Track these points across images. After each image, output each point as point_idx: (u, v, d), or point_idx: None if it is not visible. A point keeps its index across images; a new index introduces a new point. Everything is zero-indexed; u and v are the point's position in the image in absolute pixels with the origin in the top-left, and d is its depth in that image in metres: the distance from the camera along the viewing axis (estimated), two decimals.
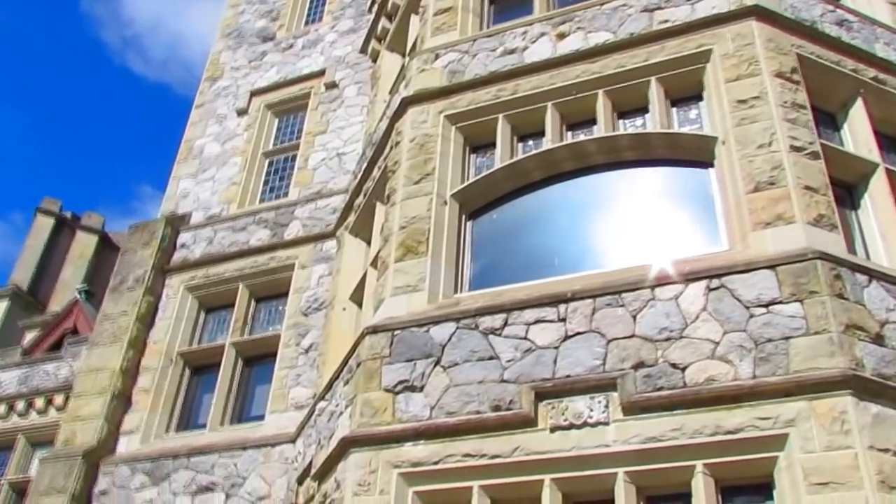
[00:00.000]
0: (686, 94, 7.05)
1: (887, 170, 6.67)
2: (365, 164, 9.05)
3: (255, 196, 11.30)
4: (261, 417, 8.92)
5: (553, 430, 5.48)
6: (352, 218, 9.19)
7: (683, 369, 5.36)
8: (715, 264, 5.75)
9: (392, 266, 6.90)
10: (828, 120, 7.02)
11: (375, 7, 11.41)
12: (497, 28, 8.27)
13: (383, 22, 10.89)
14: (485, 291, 6.54)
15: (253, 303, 10.09)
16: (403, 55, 10.09)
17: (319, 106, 11.67)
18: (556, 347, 5.79)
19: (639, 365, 5.48)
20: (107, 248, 21.60)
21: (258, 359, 9.60)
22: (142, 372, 9.74)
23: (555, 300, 5.99)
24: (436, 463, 5.66)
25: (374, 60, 11.27)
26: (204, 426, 9.16)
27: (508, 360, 5.87)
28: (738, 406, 5.08)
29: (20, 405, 11.78)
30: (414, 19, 9.85)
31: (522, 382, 5.71)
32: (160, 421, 9.37)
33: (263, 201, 11.17)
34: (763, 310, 5.38)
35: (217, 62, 13.39)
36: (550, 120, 7.30)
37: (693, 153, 6.68)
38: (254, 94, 12.38)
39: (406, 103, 8.00)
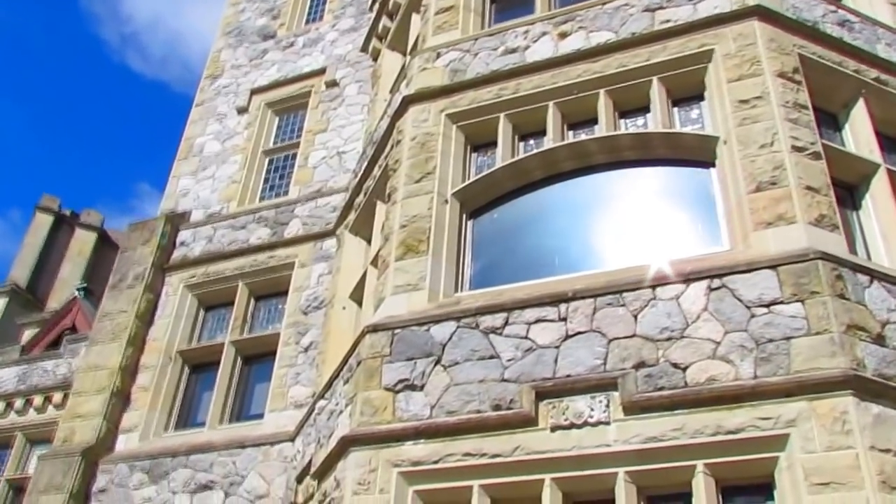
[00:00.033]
0: (688, 93, 7.04)
1: (888, 170, 6.67)
2: (365, 163, 9.05)
3: (256, 194, 11.30)
4: (260, 416, 8.91)
5: (554, 429, 5.48)
6: (352, 216, 9.18)
7: (684, 369, 5.35)
8: (716, 264, 5.75)
9: (393, 265, 6.89)
10: (829, 120, 7.02)
11: (376, 6, 11.40)
12: (499, 27, 8.26)
13: (384, 21, 10.89)
14: (485, 291, 6.53)
15: (252, 301, 10.08)
16: (404, 54, 10.08)
17: (320, 104, 11.67)
18: (557, 347, 5.79)
19: (640, 365, 5.47)
20: (106, 246, 21.60)
21: (257, 357, 9.59)
22: (141, 370, 9.73)
23: (556, 300, 5.99)
24: (436, 462, 5.66)
25: (375, 59, 11.27)
26: (203, 424, 9.16)
27: (509, 360, 5.86)
28: (739, 406, 5.08)
29: (18, 403, 11.78)
30: (415, 18, 9.84)
31: (523, 382, 5.70)
32: (159, 419, 9.36)
33: (263, 199, 11.17)
34: (764, 310, 5.37)
35: (217, 60, 13.38)
36: (552, 119, 7.29)
37: (694, 153, 6.67)
38: (254, 92, 12.38)
39: (407, 102, 7.99)
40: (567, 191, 7.08)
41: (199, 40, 64.07)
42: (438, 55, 8.18)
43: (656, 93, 7.01)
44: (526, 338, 5.92)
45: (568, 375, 5.63)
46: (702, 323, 5.49)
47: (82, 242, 21.91)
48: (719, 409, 5.11)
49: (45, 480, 8.97)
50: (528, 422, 5.54)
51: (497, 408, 5.68)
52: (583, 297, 5.92)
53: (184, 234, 10.96)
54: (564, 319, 5.88)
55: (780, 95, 6.40)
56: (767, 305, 5.38)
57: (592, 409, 5.43)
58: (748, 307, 5.42)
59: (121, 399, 9.49)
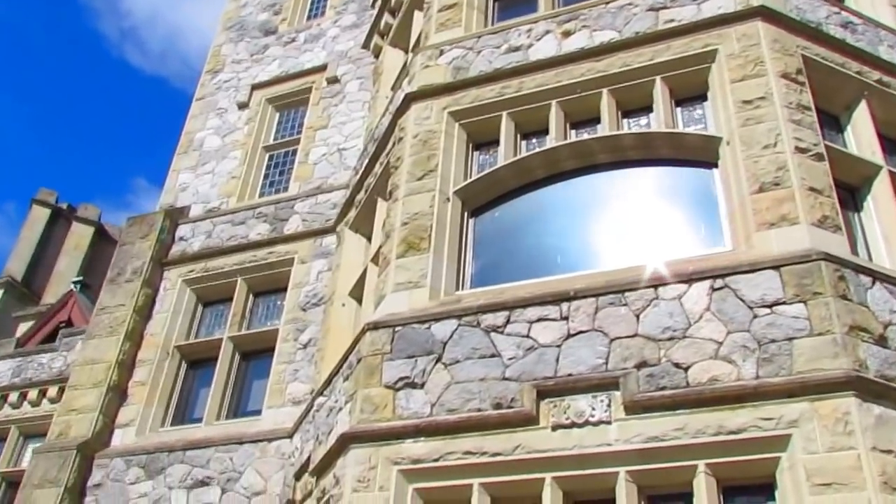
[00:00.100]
0: (691, 93, 7.04)
1: (890, 172, 6.68)
2: (366, 160, 9.02)
3: (255, 190, 11.26)
4: (258, 412, 8.89)
5: (555, 428, 5.47)
6: (352, 213, 9.16)
7: (686, 369, 5.34)
8: (719, 264, 5.74)
9: (394, 262, 6.87)
10: (831, 122, 7.02)
11: (378, 2, 11.39)
12: (502, 25, 8.24)
13: (386, 17, 10.88)
14: (487, 289, 6.51)
15: (251, 297, 10.05)
16: (406, 51, 10.06)
17: (321, 101, 11.64)
18: (559, 346, 5.77)
19: (641, 364, 5.46)
20: (103, 240, 21.52)
21: (256, 353, 9.56)
22: (138, 365, 9.69)
23: (557, 298, 5.97)
24: (436, 460, 5.64)
25: (377, 56, 11.25)
26: (200, 420, 9.13)
27: (510, 358, 5.85)
28: (741, 406, 5.07)
29: (13, 396, 11.72)
30: (417, 15, 9.82)
31: (524, 380, 5.69)
32: (156, 414, 9.33)
33: (263, 195, 11.14)
34: (767, 310, 5.37)
35: (218, 55, 13.34)
36: (554, 118, 7.28)
37: (697, 153, 6.67)
38: (255, 87, 12.35)
39: (409, 99, 7.97)
40: (569, 190, 7.07)
41: (198, 36, 63.94)
42: (441, 52, 8.16)
43: (659, 92, 7.01)
44: (527, 336, 5.91)
45: (569, 374, 5.62)
46: (704, 323, 5.48)
47: (79, 236, 21.82)
48: (721, 410, 5.10)
49: (40, 474, 8.93)
50: (529, 420, 5.53)
51: (498, 406, 5.67)
52: (584, 297, 5.91)
53: (183, 229, 10.92)
54: (566, 318, 5.87)
55: (784, 96, 6.39)
56: (770, 306, 5.38)
57: (594, 409, 5.42)
58: (751, 307, 5.42)
59: (117, 394, 9.45)
